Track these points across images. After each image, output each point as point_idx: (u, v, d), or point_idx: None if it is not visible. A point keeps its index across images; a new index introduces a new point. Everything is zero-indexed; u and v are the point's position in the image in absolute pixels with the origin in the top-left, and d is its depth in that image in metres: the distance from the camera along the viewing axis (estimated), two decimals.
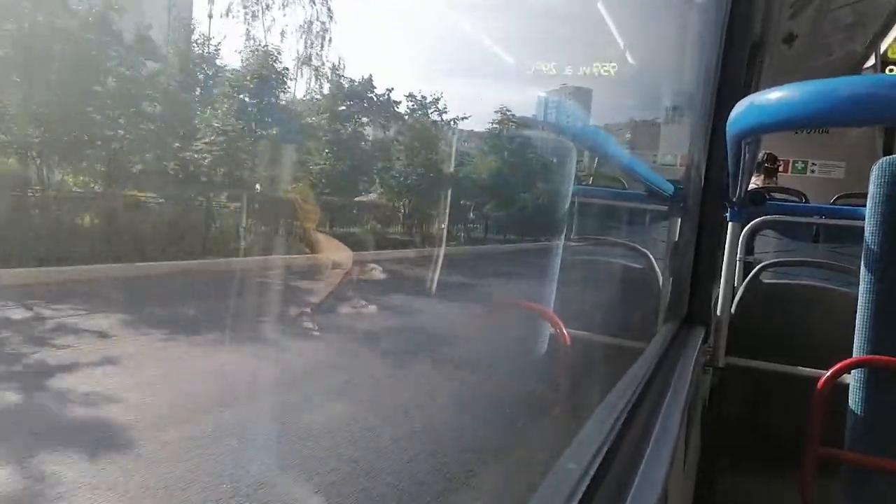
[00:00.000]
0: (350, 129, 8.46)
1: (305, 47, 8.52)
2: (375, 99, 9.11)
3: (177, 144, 5.26)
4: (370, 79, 9.02)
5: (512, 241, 11.00)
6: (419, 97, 9.82)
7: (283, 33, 8.27)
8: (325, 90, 8.79)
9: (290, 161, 6.90)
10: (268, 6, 7.99)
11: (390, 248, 7.82)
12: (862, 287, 1.13)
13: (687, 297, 1.74)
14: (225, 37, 7.26)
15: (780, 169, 4.67)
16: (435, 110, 9.99)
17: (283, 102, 7.01)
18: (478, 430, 2.95)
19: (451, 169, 9.98)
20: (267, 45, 7.14)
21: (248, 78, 6.33)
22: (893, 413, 1.13)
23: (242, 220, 5.80)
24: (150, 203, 5.24)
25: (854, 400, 1.15)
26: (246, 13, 7.67)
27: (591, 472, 0.64)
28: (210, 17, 7.04)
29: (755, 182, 4.08)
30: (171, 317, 3.96)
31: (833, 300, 2.02)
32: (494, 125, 11.34)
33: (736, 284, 2.24)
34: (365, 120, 8.86)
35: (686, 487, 1.46)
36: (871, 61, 4.41)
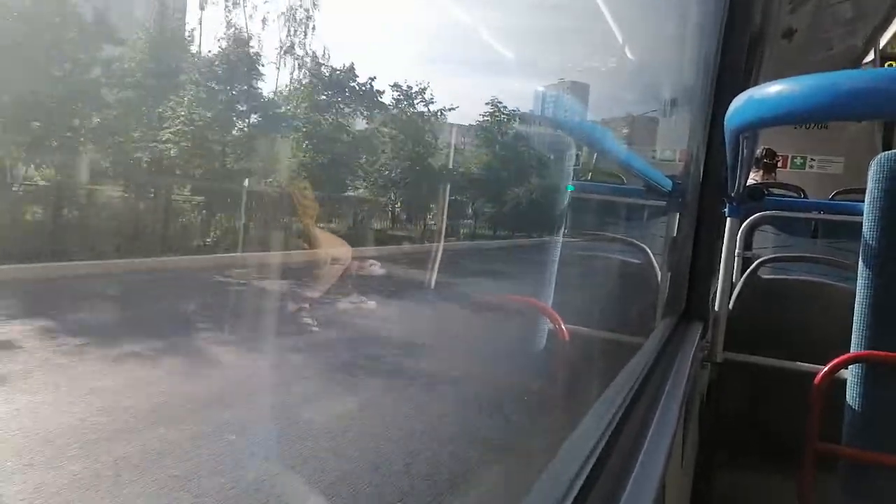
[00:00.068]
0: (331, 119, 8.14)
1: (288, 35, 8.15)
2: (358, 88, 8.79)
3: (137, 134, 5.01)
4: (352, 67, 8.66)
5: (503, 237, 10.77)
6: (405, 87, 9.48)
7: (264, 20, 7.91)
8: (306, 79, 8.42)
9: (265, 152, 6.67)
10: None
11: (371, 245, 7.64)
12: (860, 282, 1.13)
13: (685, 293, 1.74)
14: (201, 22, 6.67)
15: (779, 164, 4.67)
16: (421, 101, 9.65)
17: (258, 91, 6.75)
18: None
19: (439, 162, 9.75)
20: (240, 31, 6.86)
21: (217, 63, 6.00)
22: (891, 408, 1.13)
23: (216, 215, 5.57)
24: (110, 196, 4.90)
25: (852, 395, 1.15)
26: (227, 1, 7.47)
27: (589, 466, 0.64)
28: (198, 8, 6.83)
29: (754, 177, 4.08)
30: (99, 323, 3.40)
31: (831, 295, 2.02)
32: (485, 117, 11.08)
33: (734, 280, 2.25)
34: (347, 110, 8.57)
35: (684, 482, 1.47)
36: (871, 56, 4.40)
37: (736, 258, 2.37)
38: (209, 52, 6.22)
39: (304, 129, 7.54)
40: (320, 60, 8.38)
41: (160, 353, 3.16)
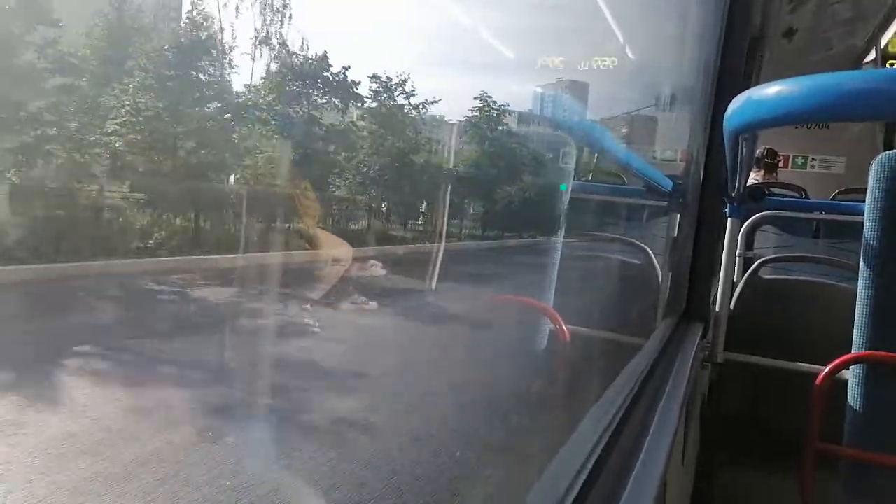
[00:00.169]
0: (302, 111, 7.69)
1: (263, 24, 7.65)
2: (332, 79, 8.28)
3: (75, 125, 4.61)
4: (325, 56, 8.10)
5: (491, 237, 10.24)
6: (384, 78, 8.99)
7: (237, 8, 7.44)
8: (276, 69, 7.78)
9: (226, 146, 6.19)
10: None
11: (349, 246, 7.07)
12: (861, 283, 1.13)
13: (686, 293, 1.74)
14: (162, 6, 6.27)
15: (780, 164, 4.67)
16: (402, 93, 9.15)
17: (218, 79, 6.18)
18: None
19: (422, 159, 9.23)
20: (198, 13, 6.23)
21: (167, 47, 5.41)
22: (892, 409, 1.13)
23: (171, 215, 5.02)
24: (35, 193, 4.36)
25: (853, 396, 1.15)
26: None
27: (591, 464, 0.64)
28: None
29: (755, 177, 4.08)
30: None
31: (832, 296, 2.02)
32: (474, 112, 10.66)
33: (735, 280, 2.25)
34: (321, 102, 8.10)
35: (685, 481, 1.47)
36: (872, 56, 4.40)
37: (737, 258, 2.37)
38: (160, 35, 5.71)
39: (274, 123, 7.11)
40: (292, 49, 7.84)
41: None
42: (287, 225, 6.28)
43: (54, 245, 3.84)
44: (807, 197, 3.78)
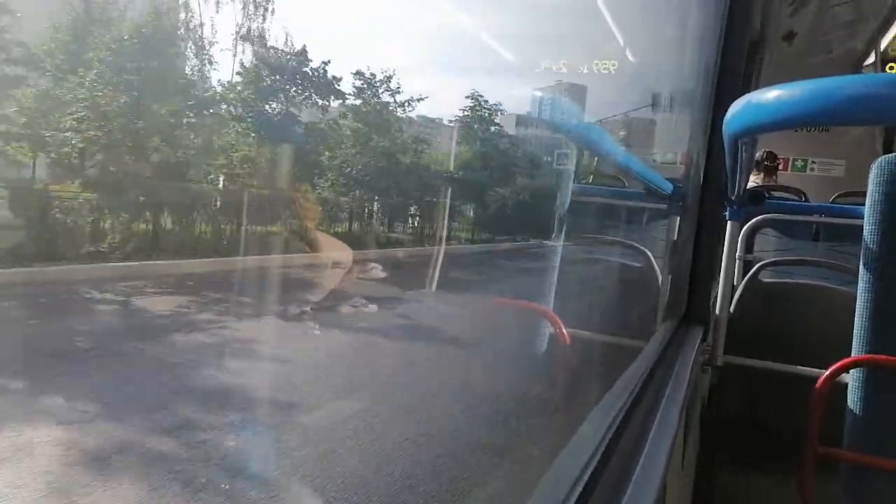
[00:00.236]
0: (280, 108, 7.23)
1: (244, 18, 7.42)
2: (311, 74, 7.82)
3: (23, 120, 4.29)
4: (304, 50, 7.73)
5: (484, 240, 9.98)
6: (368, 74, 8.72)
7: (218, 2, 7.31)
8: (252, 63, 7.45)
9: (193, 144, 5.75)
10: None
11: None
12: (861, 286, 1.13)
13: (686, 296, 1.74)
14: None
15: (780, 167, 4.67)
16: (386, 90, 8.87)
17: (183, 72, 5.79)
18: None
19: (409, 160, 8.87)
20: (162, 4, 5.87)
21: (127, 37, 4.96)
22: (892, 412, 1.13)
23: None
24: None
25: (853, 399, 1.15)
26: None
27: (591, 467, 0.64)
28: None
29: (755, 180, 4.08)
30: None
31: (832, 299, 2.02)
32: (465, 112, 10.43)
33: (735, 283, 2.25)
34: (299, 98, 7.69)
35: (685, 484, 1.47)
36: (871, 59, 4.40)
37: (737, 261, 2.37)
38: (121, 26, 5.24)
39: (250, 119, 6.72)
40: (268, 43, 7.54)
41: None
42: (264, 228, 5.89)
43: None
44: (806, 200, 3.78)
